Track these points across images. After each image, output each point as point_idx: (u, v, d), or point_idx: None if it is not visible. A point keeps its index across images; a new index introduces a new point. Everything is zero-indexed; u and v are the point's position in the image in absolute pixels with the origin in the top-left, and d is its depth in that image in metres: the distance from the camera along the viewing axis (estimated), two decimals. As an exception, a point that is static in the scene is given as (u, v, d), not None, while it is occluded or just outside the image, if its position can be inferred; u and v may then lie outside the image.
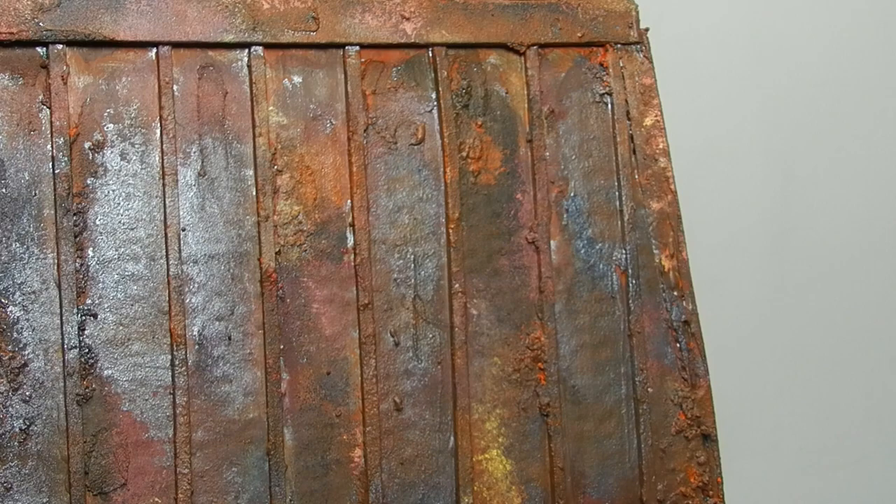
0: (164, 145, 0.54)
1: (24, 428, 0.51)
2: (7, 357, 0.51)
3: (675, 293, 0.61)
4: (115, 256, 0.53)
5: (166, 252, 0.53)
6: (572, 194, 0.60)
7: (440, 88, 0.58)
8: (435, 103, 0.58)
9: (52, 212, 0.52)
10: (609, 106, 0.61)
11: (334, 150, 0.57)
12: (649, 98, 0.61)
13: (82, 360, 0.51)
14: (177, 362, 0.53)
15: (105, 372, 0.52)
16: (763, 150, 0.89)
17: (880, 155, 0.94)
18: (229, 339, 0.54)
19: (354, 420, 0.56)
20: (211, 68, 0.55)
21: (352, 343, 0.56)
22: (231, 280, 0.54)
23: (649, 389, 0.60)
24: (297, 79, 0.56)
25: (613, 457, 0.60)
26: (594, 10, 0.61)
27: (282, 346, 0.55)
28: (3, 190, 0.51)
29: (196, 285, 0.54)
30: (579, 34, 0.61)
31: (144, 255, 0.53)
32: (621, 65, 0.61)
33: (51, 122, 0.52)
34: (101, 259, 0.53)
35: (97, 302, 0.52)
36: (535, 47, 0.60)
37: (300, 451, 0.55)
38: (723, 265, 0.87)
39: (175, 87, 0.54)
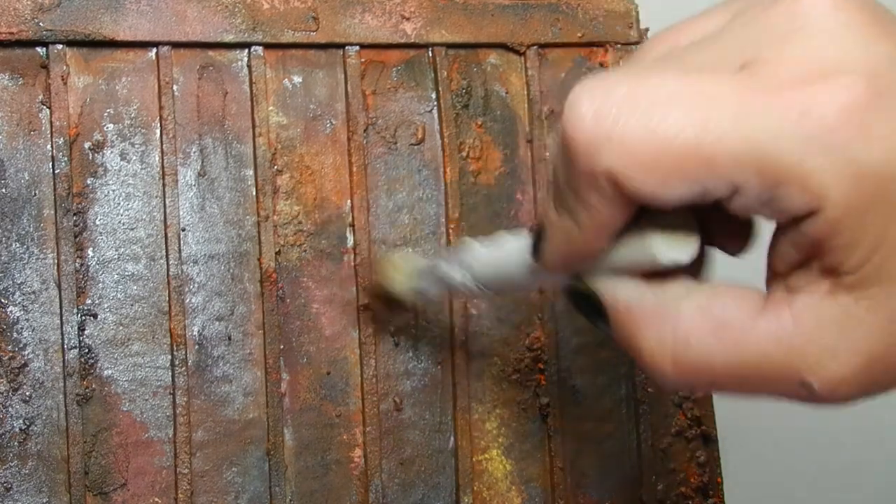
0: (164, 145, 0.54)
1: (23, 428, 0.51)
2: (7, 357, 0.50)
3: (676, 293, 0.61)
4: (115, 256, 0.53)
5: (166, 252, 0.53)
6: (572, 194, 0.60)
7: (440, 88, 0.58)
8: (435, 103, 0.58)
9: (52, 212, 0.52)
10: (609, 106, 0.61)
11: (334, 150, 0.57)
12: (649, 98, 0.61)
13: (82, 360, 0.51)
14: (177, 362, 0.53)
15: (105, 372, 0.52)
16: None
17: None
18: (229, 339, 0.54)
19: (354, 420, 0.56)
20: (211, 68, 0.55)
21: (352, 343, 0.56)
22: (231, 280, 0.54)
23: (649, 390, 0.60)
24: (297, 79, 0.56)
25: (613, 457, 0.60)
26: (594, 10, 0.61)
27: (282, 346, 0.55)
28: (3, 190, 0.51)
29: (196, 285, 0.54)
30: (579, 34, 0.61)
31: (144, 255, 0.53)
32: (622, 65, 0.61)
33: (51, 122, 0.52)
34: (101, 259, 0.52)
35: (97, 302, 0.52)
36: (535, 47, 0.60)
37: (300, 451, 0.55)
38: (723, 265, 0.87)
39: (175, 87, 0.54)
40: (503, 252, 0.45)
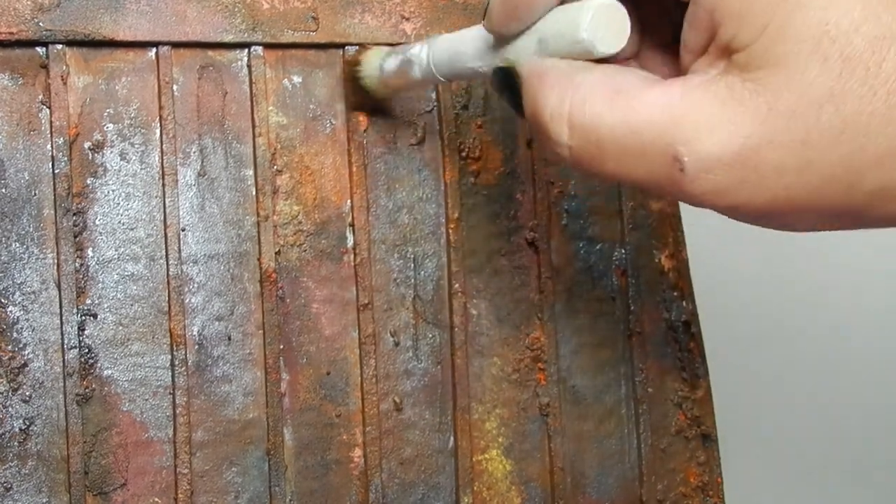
0: (164, 145, 0.54)
1: (23, 428, 0.51)
2: (7, 357, 0.51)
3: (675, 293, 0.61)
4: (115, 256, 0.53)
5: (166, 252, 0.53)
6: (572, 194, 0.60)
7: (440, 89, 0.58)
8: (435, 103, 0.58)
9: (52, 212, 0.52)
10: (609, 106, 0.61)
11: (334, 149, 0.57)
12: (649, 98, 0.61)
13: (82, 360, 0.51)
14: (177, 362, 0.53)
15: (105, 372, 0.52)
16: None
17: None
18: (229, 339, 0.54)
19: (354, 420, 0.56)
20: (210, 68, 0.55)
21: (352, 343, 0.56)
22: (231, 280, 0.54)
23: (649, 389, 0.60)
24: (296, 79, 0.56)
25: (613, 457, 0.60)
26: (594, 10, 0.61)
27: (281, 346, 0.55)
28: (3, 190, 0.51)
29: (196, 285, 0.54)
30: (579, 34, 0.60)
31: (144, 256, 0.53)
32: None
33: (50, 122, 0.52)
34: (101, 259, 0.52)
35: (97, 302, 0.52)
36: (534, 47, 0.60)
37: (300, 451, 0.55)
38: (723, 265, 0.87)
39: (175, 87, 0.54)
40: (462, 34, 0.49)
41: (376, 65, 0.54)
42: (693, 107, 0.37)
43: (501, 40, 0.45)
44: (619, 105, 0.39)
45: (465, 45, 0.48)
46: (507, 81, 0.44)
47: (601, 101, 0.39)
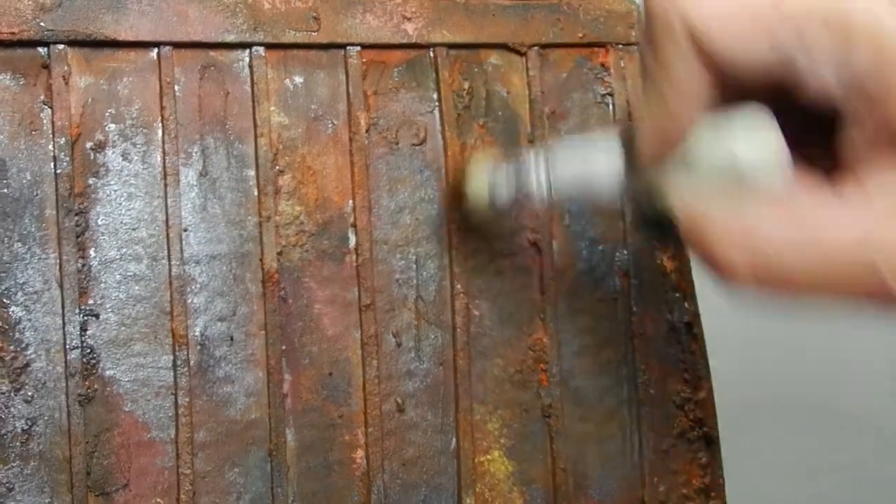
0: (166, 145, 0.54)
1: (26, 428, 0.50)
2: (9, 357, 0.50)
3: (677, 294, 0.61)
4: (118, 257, 0.53)
5: (168, 252, 0.53)
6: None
7: (441, 89, 0.58)
8: (436, 104, 0.58)
9: (54, 212, 0.52)
10: (610, 107, 0.61)
11: (336, 150, 0.57)
12: (651, 98, 0.61)
13: (84, 360, 0.51)
14: (179, 363, 0.53)
15: (107, 372, 0.52)
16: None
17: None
18: (231, 339, 0.54)
19: (356, 421, 0.56)
20: (212, 68, 0.55)
21: (354, 344, 0.56)
22: (233, 280, 0.54)
23: (651, 391, 0.60)
24: (298, 79, 0.56)
25: (615, 458, 0.60)
26: (595, 10, 0.61)
27: (284, 347, 0.55)
28: (5, 190, 0.51)
29: (198, 286, 0.54)
30: (580, 34, 0.61)
31: (146, 256, 0.53)
32: (622, 65, 0.61)
33: (52, 123, 0.52)
34: (104, 259, 0.52)
35: (99, 302, 0.52)
36: (536, 48, 0.60)
37: (302, 451, 0.55)
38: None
39: (176, 88, 0.54)
40: (589, 156, 0.46)
41: (483, 180, 0.54)
42: (891, 228, 0.37)
43: (642, 179, 0.43)
44: (805, 236, 0.38)
45: (597, 169, 0.46)
46: (655, 221, 0.43)
47: (781, 233, 0.38)
